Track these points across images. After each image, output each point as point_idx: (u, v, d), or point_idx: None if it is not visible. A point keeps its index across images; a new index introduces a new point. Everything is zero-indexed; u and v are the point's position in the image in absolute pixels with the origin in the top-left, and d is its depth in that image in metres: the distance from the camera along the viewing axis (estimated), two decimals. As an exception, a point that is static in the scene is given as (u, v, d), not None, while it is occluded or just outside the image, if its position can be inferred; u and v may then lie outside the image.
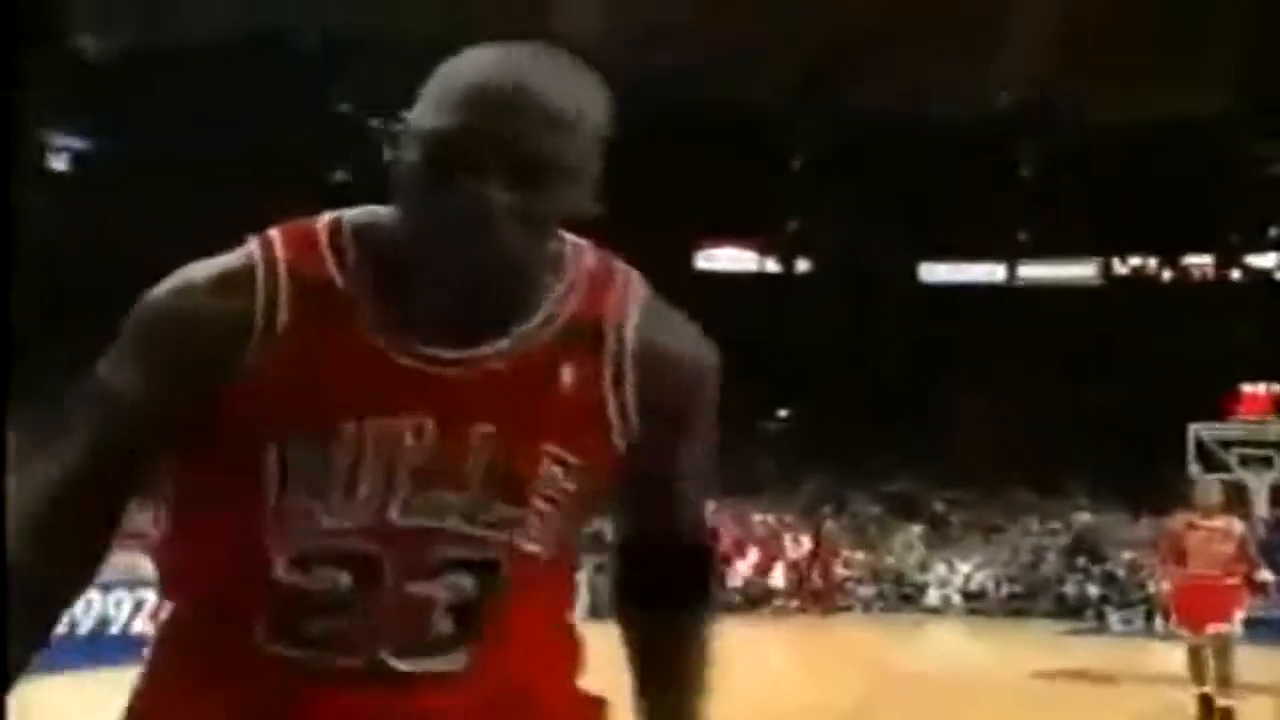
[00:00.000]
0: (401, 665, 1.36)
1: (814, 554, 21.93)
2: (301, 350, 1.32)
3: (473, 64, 1.31)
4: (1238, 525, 9.11)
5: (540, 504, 1.37)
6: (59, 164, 28.87)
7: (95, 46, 28.64)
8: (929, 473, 26.97)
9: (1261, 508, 21.06)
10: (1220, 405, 23.97)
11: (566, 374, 1.38)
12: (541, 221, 1.31)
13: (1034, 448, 26.54)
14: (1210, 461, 21.91)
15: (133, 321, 1.36)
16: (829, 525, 23.33)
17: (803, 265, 34.96)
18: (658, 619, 1.57)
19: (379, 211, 1.38)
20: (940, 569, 22.60)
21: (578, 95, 1.32)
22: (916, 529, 24.84)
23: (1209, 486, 9.62)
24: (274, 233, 1.38)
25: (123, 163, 28.61)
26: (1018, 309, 30.83)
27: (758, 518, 24.06)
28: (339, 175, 29.31)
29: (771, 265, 35.04)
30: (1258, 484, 21.95)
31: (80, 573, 1.37)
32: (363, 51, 28.09)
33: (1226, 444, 22.73)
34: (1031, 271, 32.79)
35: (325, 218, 1.40)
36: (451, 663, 1.38)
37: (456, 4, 22.15)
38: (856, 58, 28.49)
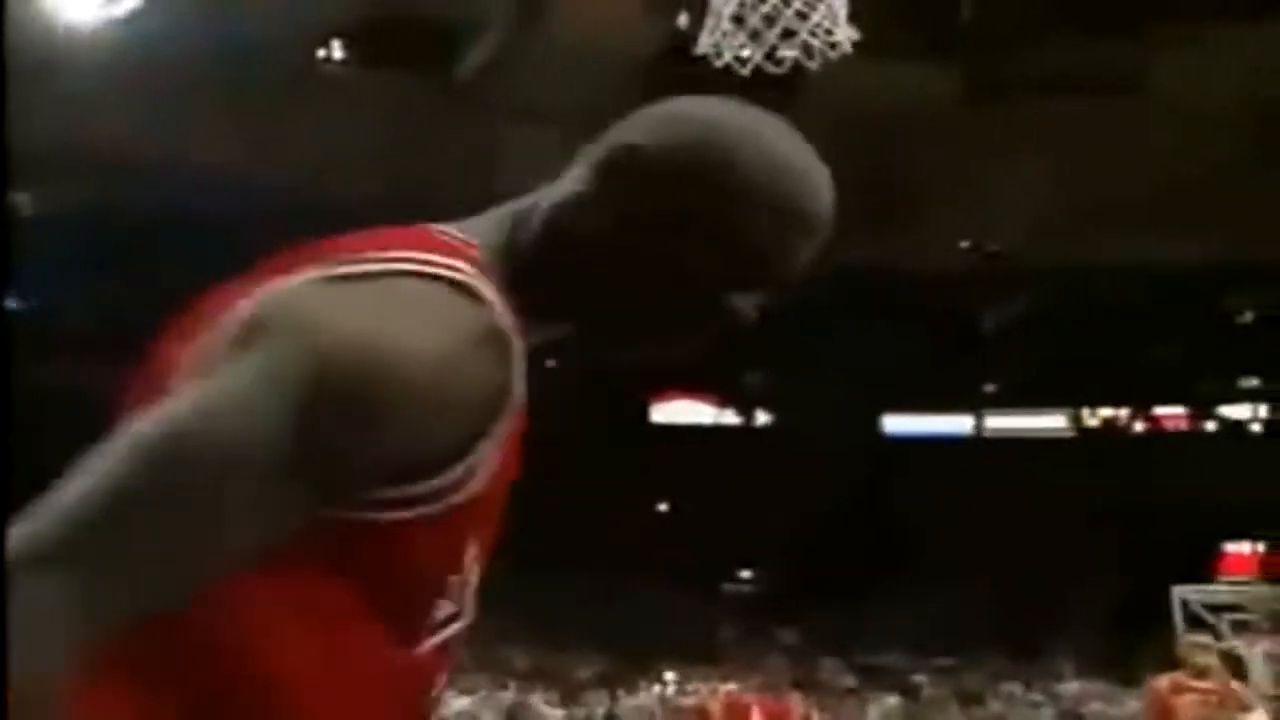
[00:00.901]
0: None
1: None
2: (510, 431, 1.15)
3: (814, 178, 1.22)
4: (1238, 688, 8.09)
5: None
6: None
7: (29, 204, 27.83)
8: (900, 638, 25.80)
9: (1258, 673, 19.90)
10: (1201, 564, 23.09)
11: None
12: None
13: (1008, 610, 25.52)
14: (1198, 627, 20.81)
15: (353, 374, 1.03)
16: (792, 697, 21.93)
17: (762, 418, 34.10)
18: None
19: (489, 245, 1.21)
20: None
21: None
22: (892, 699, 23.55)
23: (1196, 643, 8.69)
24: (460, 262, 1.14)
25: (54, 322, 27.67)
26: (985, 462, 30.02)
27: (723, 688, 22.72)
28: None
29: (729, 418, 34.13)
30: (1249, 653, 20.81)
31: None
32: (321, 203, 27.46)
33: (1214, 608, 21.67)
34: (999, 423, 32.13)
35: (459, 240, 1.20)
36: None
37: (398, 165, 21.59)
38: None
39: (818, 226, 1.23)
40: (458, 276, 1.12)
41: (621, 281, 1.21)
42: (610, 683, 23.95)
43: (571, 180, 1.26)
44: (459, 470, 1.11)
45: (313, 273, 1.11)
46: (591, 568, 23.51)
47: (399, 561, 1.11)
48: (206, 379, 1.06)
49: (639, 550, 26.63)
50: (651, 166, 1.20)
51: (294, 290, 1.10)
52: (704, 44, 6.01)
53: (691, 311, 1.23)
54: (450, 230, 1.21)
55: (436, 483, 1.10)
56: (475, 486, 1.12)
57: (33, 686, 0.95)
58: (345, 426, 1.03)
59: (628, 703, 22.75)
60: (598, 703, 22.87)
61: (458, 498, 1.11)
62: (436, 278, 1.11)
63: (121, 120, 21.07)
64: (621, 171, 1.21)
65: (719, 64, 5.99)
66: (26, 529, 0.98)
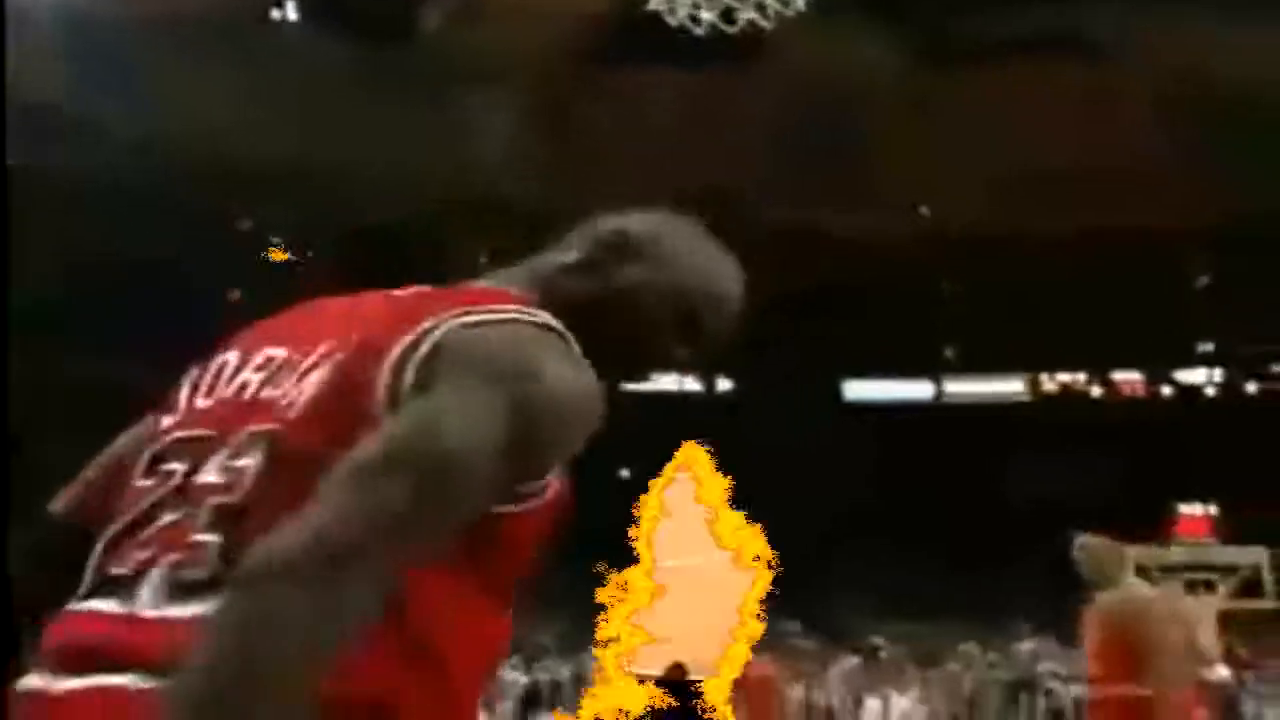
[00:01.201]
0: None
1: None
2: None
3: (731, 273, 1.66)
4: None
5: None
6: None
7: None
8: (861, 600, 25.95)
9: (1208, 638, 20.17)
10: (1156, 526, 23.33)
11: None
12: None
13: (967, 571, 25.70)
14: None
15: (563, 404, 1.34)
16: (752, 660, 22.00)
17: (723, 384, 34.13)
18: None
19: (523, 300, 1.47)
20: (874, 705, 21.41)
21: None
22: (852, 661, 23.69)
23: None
24: (541, 311, 1.43)
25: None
26: (945, 427, 30.17)
27: (684, 651, 22.79)
28: (236, 294, 28.15)
29: (691, 384, 34.13)
30: (1201, 612, 21.09)
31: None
32: (263, 172, 27.17)
33: (1167, 569, 21.96)
34: (958, 388, 32.28)
35: (525, 295, 1.50)
36: None
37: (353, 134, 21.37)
38: (772, 173, 28.08)
39: (732, 304, 1.64)
40: (554, 324, 1.42)
41: (603, 331, 1.53)
42: (574, 647, 23.99)
43: (572, 251, 1.61)
44: (557, 472, 1.41)
45: (457, 318, 1.38)
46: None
47: (512, 544, 1.39)
48: (410, 409, 1.30)
49: (601, 517, 26.64)
50: (635, 245, 1.60)
51: (462, 331, 1.36)
52: (657, 0, 6.00)
53: (648, 358, 1.62)
54: (512, 288, 1.52)
55: (545, 481, 1.39)
56: (557, 485, 1.42)
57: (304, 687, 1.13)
58: (529, 438, 1.31)
59: (591, 667, 22.80)
60: (561, 667, 22.91)
61: (549, 495, 1.40)
62: (545, 326, 1.41)
63: (66, 80, 20.79)
64: (614, 246, 1.59)
65: (673, 22, 6.01)
66: (294, 543, 1.16)
